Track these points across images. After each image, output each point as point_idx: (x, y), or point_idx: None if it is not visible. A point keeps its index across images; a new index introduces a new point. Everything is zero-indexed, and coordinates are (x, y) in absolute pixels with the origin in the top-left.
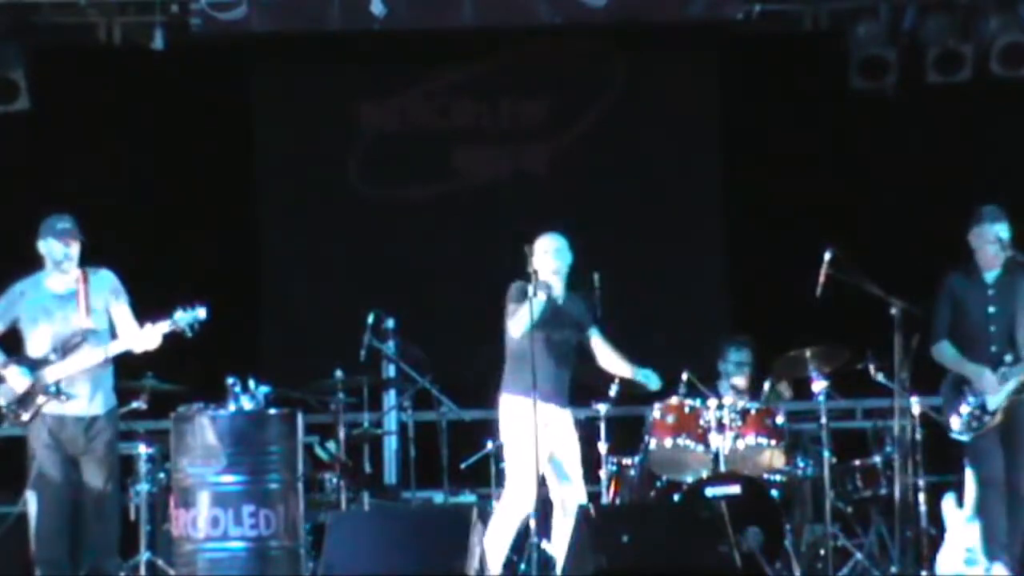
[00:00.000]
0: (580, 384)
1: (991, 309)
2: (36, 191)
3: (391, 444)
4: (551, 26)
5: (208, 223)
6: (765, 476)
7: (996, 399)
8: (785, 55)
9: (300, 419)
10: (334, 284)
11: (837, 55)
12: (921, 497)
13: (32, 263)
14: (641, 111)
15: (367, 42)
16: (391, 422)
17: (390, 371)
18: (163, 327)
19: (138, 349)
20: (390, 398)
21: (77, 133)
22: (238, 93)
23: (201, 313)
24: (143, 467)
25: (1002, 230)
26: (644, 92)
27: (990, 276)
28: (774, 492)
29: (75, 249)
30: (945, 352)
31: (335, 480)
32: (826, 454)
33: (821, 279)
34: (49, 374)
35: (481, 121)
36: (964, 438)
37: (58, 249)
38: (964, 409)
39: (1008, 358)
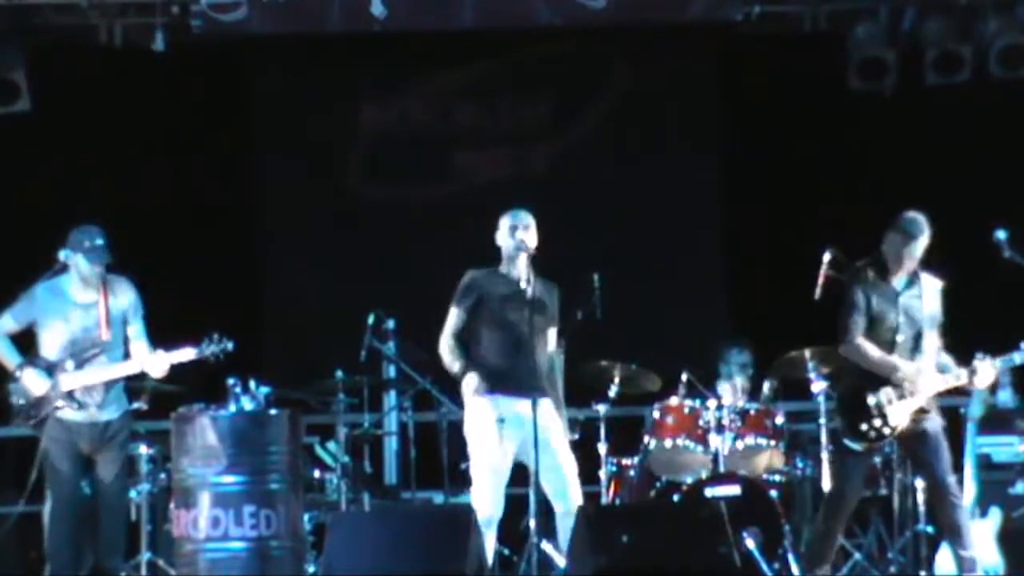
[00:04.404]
0: (580, 384)
1: (901, 319)
2: (36, 192)
3: (391, 445)
4: (551, 27)
5: (208, 224)
6: (764, 476)
7: (899, 415)
8: (784, 56)
9: (301, 419)
10: (334, 284)
11: (836, 56)
12: (920, 497)
13: (31, 263)
14: (641, 111)
15: (367, 43)
16: (391, 423)
17: (390, 372)
18: (182, 355)
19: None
20: (390, 399)
21: (77, 134)
22: (238, 94)
23: (229, 346)
24: (144, 467)
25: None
26: (644, 92)
27: (899, 283)
28: (773, 492)
29: (103, 268)
30: (868, 350)
31: (335, 480)
32: (825, 454)
33: (821, 279)
34: (64, 381)
35: (481, 122)
36: (856, 446)
37: (87, 269)
38: (865, 416)
39: None
